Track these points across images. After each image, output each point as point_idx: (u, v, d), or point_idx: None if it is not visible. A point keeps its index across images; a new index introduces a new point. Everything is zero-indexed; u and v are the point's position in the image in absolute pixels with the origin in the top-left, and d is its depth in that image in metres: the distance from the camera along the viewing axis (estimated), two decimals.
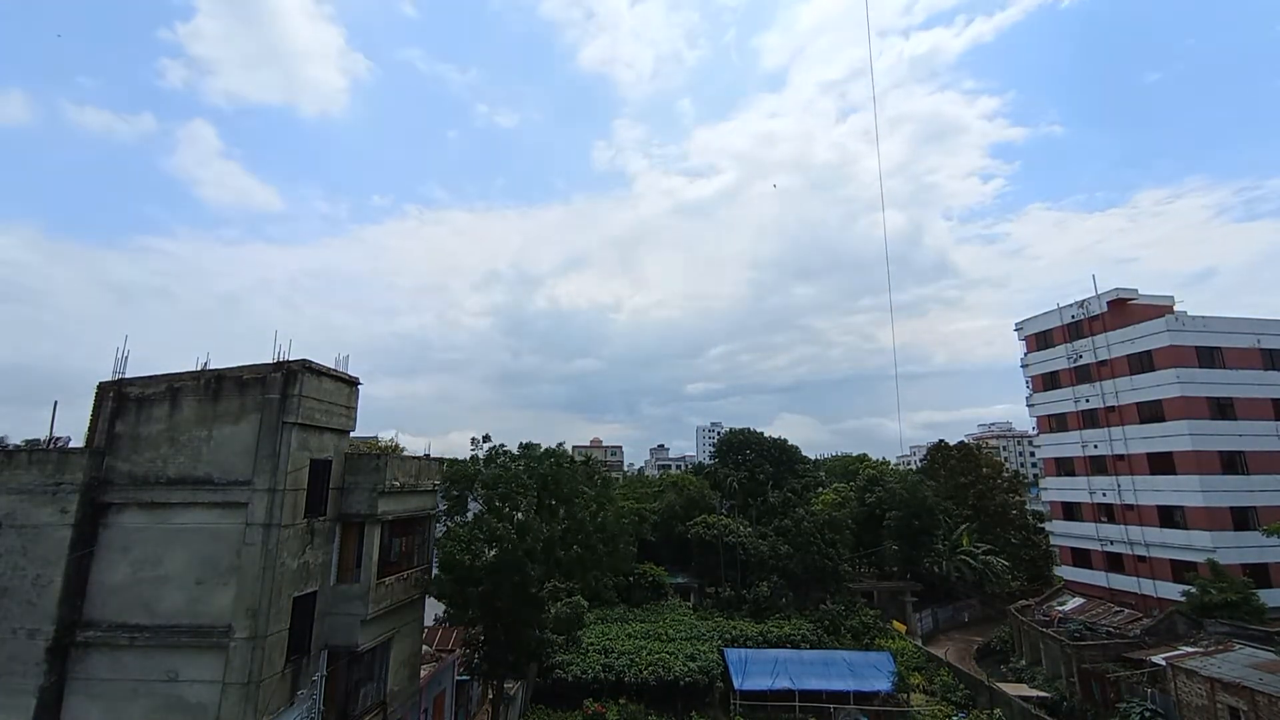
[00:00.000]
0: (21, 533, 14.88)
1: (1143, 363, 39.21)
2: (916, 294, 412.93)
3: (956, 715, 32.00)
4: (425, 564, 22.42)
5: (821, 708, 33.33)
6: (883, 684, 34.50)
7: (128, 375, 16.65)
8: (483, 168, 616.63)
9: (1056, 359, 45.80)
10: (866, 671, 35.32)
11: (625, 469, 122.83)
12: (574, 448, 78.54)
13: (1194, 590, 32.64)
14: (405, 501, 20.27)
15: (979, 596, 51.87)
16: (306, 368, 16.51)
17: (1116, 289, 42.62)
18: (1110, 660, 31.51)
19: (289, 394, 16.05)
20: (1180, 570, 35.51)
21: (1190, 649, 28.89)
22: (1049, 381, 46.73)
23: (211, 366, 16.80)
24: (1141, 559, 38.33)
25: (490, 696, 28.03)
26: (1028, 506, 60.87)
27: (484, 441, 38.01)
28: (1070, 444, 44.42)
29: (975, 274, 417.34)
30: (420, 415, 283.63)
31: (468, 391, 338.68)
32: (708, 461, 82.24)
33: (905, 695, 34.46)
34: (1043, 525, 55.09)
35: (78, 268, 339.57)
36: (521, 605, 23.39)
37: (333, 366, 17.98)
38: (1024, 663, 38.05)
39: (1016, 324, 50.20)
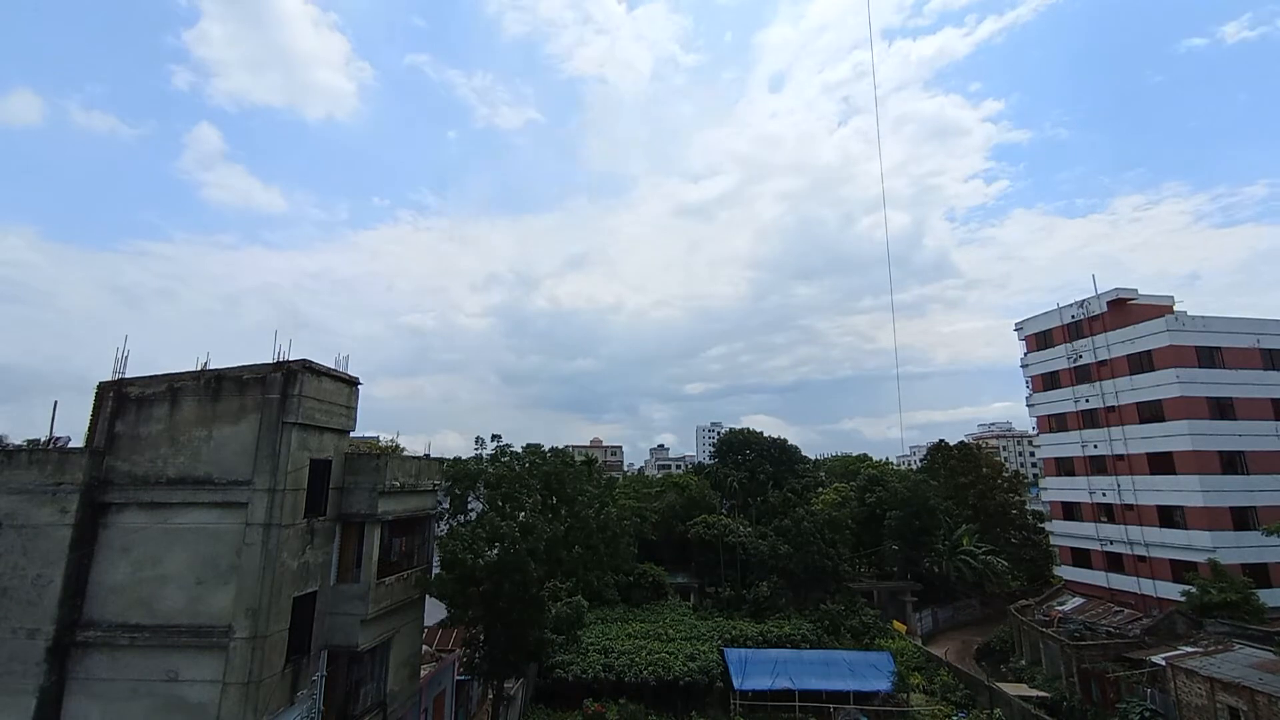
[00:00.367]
0: (21, 532, 14.87)
1: (1143, 363, 39.21)
2: (918, 294, 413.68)
3: (956, 715, 32.02)
4: (425, 564, 22.40)
5: (821, 708, 33.35)
6: (883, 684, 34.52)
7: (128, 375, 16.65)
8: (482, 169, 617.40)
9: (1056, 359, 45.80)
10: (866, 671, 35.33)
11: (625, 469, 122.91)
12: (574, 448, 78.80)
13: (1194, 590, 32.65)
14: (405, 501, 20.26)
15: (979, 596, 51.89)
16: (306, 368, 16.50)
17: (1116, 289, 42.62)
18: (1110, 660, 31.52)
19: (289, 394, 16.05)
20: (1180, 570, 35.51)
21: (1190, 649, 28.88)
22: (1049, 381, 46.74)
23: (211, 366, 16.82)
24: (1141, 559, 38.33)
25: (490, 696, 28.02)
26: (1028, 506, 60.84)
27: (491, 440, 38.02)
28: (1070, 444, 44.42)
29: (975, 274, 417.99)
30: (420, 415, 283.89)
31: (468, 391, 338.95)
32: (708, 461, 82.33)
33: (905, 695, 34.47)
34: (1043, 525, 55.12)
35: (81, 269, 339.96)
36: (522, 605, 23.38)
37: (332, 366, 17.98)
38: (1024, 662, 38.07)
39: (1016, 324, 50.22)
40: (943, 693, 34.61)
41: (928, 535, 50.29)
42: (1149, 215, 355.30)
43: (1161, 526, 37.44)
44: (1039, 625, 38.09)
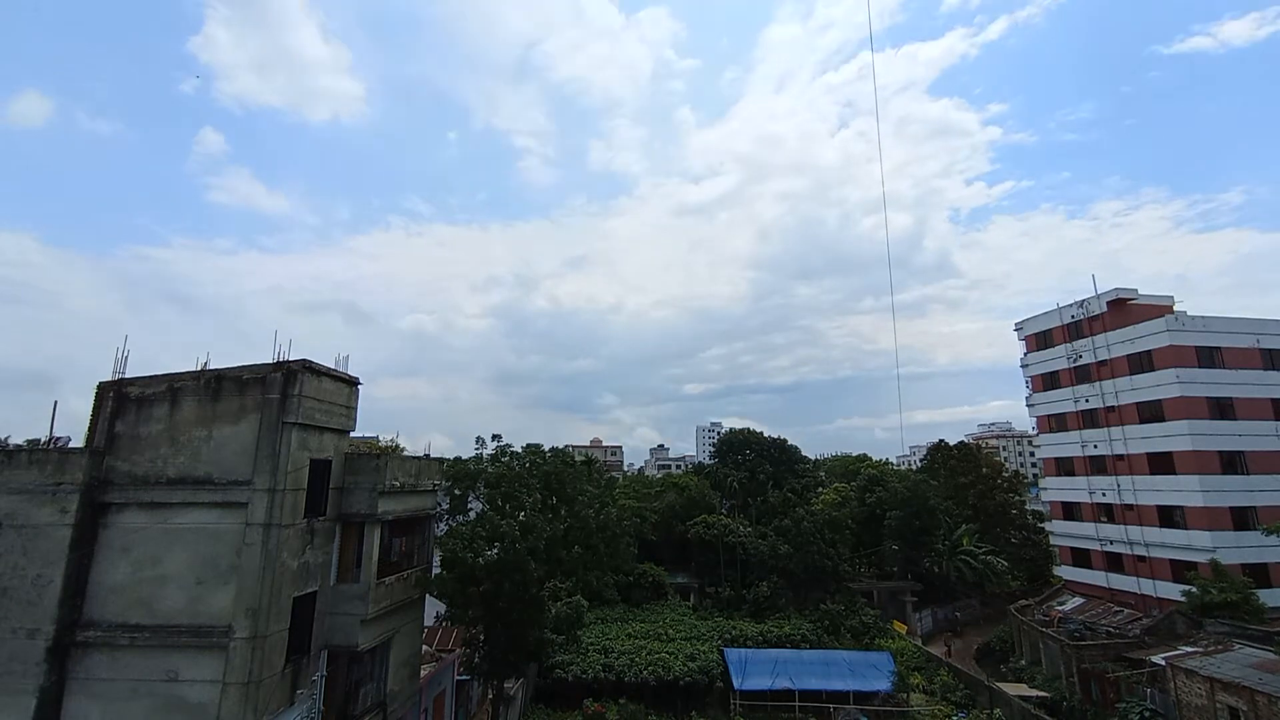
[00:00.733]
0: (21, 532, 14.86)
1: (1142, 363, 39.23)
2: (919, 294, 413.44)
3: (956, 715, 32.02)
4: (425, 564, 22.39)
5: (821, 708, 33.36)
6: (883, 684, 34.53)
7: (128, 375, 16.64)
8: (482, 171, 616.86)
9: (1056, 359, 45.83)
10: (866, 671, 35.35)
11: (625, 469, 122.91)
12: (574, 448, 78.85)
13: (1194, 590, 32.66)
14: (405, 501, 20.26)
15: (979, 596, 51.89)
16: (306, 368, 16.48)
17: (1116, 289, 42.64)
18: (1110, 660, 31.52)
19: (289, 394, 16.02)
20: (1180, 570, 35.52)
21: (1190, 649, 28.88)
22: (1049, 381, 46.76)
23: (211, 366, 16.81)
24: (1141, 559, 38.34)
25: (490, 696, 28.02)
26: (1028, 506, 60.90)
27: (491, 440, 38.04)
28: (1070, 444, 44.44)
29: (977, 275, 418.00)
30: (420, 416, 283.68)
31: (468, 392, 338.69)
32: (708, 461, 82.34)
33: (905, 695, 34.48)
34: (1043, 525, 55.16)
35: (83, 270, 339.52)
36: (522, 605, 23.38)
37: (332, 366, 17.97)
38: (1024, 662, 38.07)
39: (1016, 324, 50.27)
40: (943, 693, 34.61)
41: (928, 535, 50.29)
42: (1128, 220, 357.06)
43: (1161, 526, 37.46)
44: (1039, 625, 38.09)
